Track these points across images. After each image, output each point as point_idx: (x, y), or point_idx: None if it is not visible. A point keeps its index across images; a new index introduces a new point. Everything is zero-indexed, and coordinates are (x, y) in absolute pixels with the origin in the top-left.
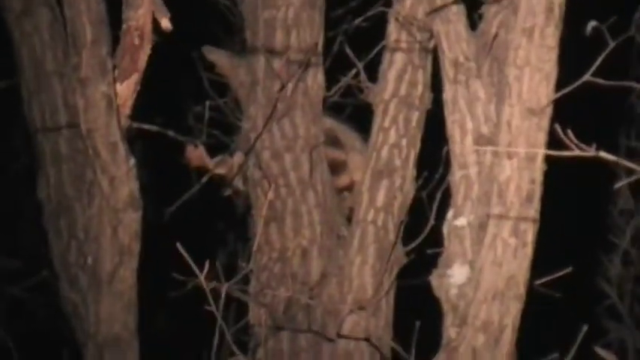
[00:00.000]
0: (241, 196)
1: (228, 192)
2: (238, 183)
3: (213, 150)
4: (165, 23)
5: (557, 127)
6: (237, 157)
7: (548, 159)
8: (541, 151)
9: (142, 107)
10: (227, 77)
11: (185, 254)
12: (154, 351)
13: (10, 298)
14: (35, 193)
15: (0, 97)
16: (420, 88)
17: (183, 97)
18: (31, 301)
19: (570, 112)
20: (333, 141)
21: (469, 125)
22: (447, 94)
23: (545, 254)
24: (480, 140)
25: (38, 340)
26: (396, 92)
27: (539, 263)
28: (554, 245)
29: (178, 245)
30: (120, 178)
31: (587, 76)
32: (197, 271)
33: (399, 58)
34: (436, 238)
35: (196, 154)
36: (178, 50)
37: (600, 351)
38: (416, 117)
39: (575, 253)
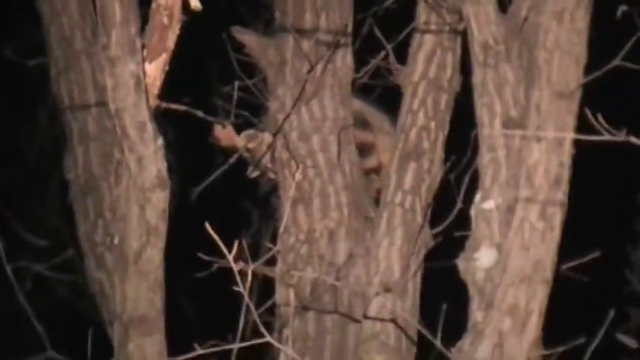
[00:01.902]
0: (267, 177)
1: (255, 173)
2: (266, 163)
3: (242, 130)
4: (195, 3)
5: (588, 111)
6: (266, 137)
7: (576, 143)
8: (570, 135)
9: (170, 87)
10: (255, 58)
11: (214, 235)
12: (180, 330)
13: (35, 275)
14: (61, 171)
15: (25, 75)
16: (449, 70)
17: (210, 77)
18: (56, 280)
19: (600, 96)
20: (362, 123)
21: (498, 108)
22: (476, 77)
23: (571, 239)
24: (509, 123)
25: (63, 319)
26: (425, 74)
27: (565, 248)
28: (579, 230)
29: (207, 226)
30: (148, 158)
31: (617, 60)
32: (225, 251)
33: (429, 40)
34: (464, 221)
35: (225, 133)
36: (206, 30)
37: (621, 337)
38: (444, 99)
39: (600, 238)
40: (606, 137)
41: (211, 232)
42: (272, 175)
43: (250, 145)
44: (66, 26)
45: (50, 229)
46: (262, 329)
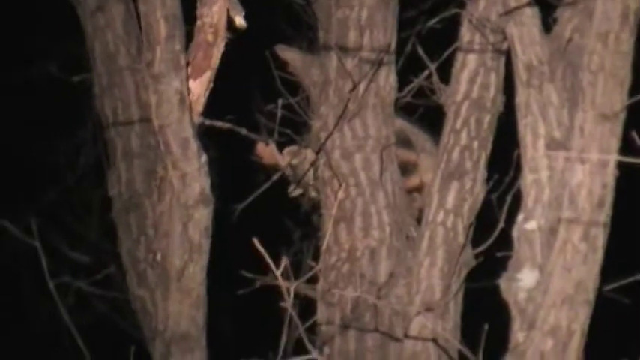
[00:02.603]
0: (309, 195)
1: (297, 192)
2: (308, 181)
3: (284, 149)
4: (239, 21)
5: (634, 134)
6: (309, 155)
7: (620, 165)
8: (614, 157)
9: (213, 104)
10: (299, 76)
11: (262, 251)
12: (221, 347)
13: (77, 291)
14: (104, 188)
15: (68, 92)
16: (492, 90)
17: (253, 95)
18: (97, 296)
19: None
20: (404, 142)
21: (541, 129)
22: (520, 98)
23: (615, 260)
24: (552, 145)
25: (104, 335)
26: (468, 94)
27: (608, 268)
28: (623, 251)
29: (255, 241)
30: (191, 175)
31: None
32: (273, 268)
33: (472, 59)
34: (506, 242)
35: (267, 151)
36: (250, 48)
37: None
38: (487, 119)
39: None
40: None
41: (260, 248)
42: (314, 194)
43: (294, 162)
44: (110, 43)
45: (92, 245)
46: (308, 345)
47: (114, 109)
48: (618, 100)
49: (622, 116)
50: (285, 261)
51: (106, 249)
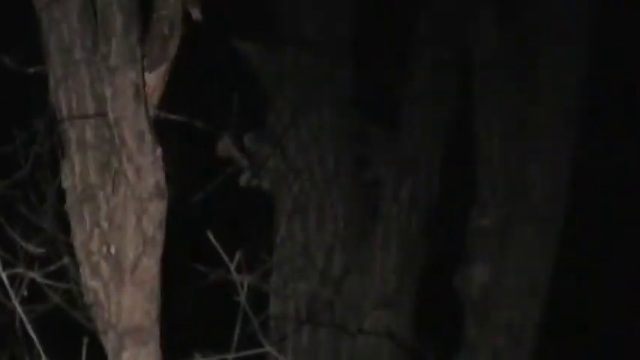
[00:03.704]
0: (262, 187)
1: (249, 181)
2: (263, 173)
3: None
4: (196, 13)
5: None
6: (265, 147)
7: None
8: (569, 151)
9: (170, 97)
10: (255, 69)
11: (217, 245)
12: (176, 340)
13: (30, 283)
14: (58, 179)
15: (22, 83)
16: (448, 85)
17: (210, 87)
18: (51, 287)
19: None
20: (360, 136)
21: (497, 124)
22: (476, 92)
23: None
24: (508, 139)
25: (57, 327)
26: (424, 88)
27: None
28: (575, 246)
29: (209, 234)
30: (146, 168)
31: None
32: (227, 262)
33: (429, 54)
34: (460, 237)
35: (223, 144)
36: (206, 40)
37: None
38: (443, 114)
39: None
40: None
41: (214, 241)
42: (266, 186)
43: (252, 148)
44: (65, 35)
45: (46, 237)
46: (262, 339)
47: (68, 102)
48: (574, 96)
49: (579, 110)
50: (239, 255)
51: (60, 240)
